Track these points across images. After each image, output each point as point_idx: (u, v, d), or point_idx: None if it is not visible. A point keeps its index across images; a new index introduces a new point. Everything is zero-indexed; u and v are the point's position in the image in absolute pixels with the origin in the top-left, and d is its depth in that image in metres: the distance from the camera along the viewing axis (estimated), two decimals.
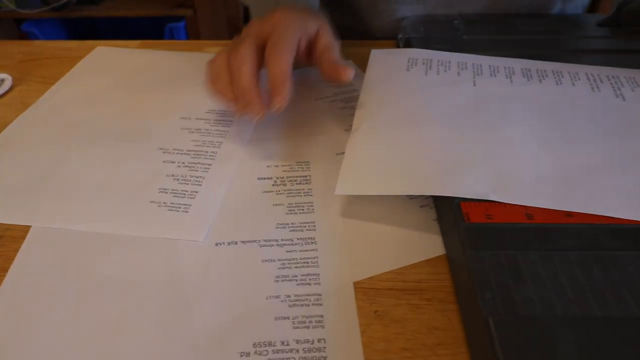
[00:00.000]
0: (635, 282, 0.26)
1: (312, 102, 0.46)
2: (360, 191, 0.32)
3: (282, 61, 0.37)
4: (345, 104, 0.46)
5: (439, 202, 0.34)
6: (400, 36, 0.53)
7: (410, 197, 0.35)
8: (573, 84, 0.42)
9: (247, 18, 1.78)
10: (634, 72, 0.44)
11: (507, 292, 0.26)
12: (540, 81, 0.42)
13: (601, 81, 0.42)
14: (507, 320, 0.24)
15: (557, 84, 0.42)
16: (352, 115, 0.44)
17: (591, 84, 0.42)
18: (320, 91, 0.48)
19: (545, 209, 0.31)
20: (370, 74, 0.44)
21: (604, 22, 0.53)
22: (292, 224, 0.33)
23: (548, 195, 0.31)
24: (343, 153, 0.39)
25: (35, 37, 1.58)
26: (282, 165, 0.38)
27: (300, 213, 0.34)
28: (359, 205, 0.34)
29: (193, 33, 1.60)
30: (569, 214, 0.30)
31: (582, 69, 0.44)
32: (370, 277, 0.30)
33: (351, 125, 0.43)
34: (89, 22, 1.76)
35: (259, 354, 0.25)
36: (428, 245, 0.32)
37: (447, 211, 0.32)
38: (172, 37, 1.58)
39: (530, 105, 0.39)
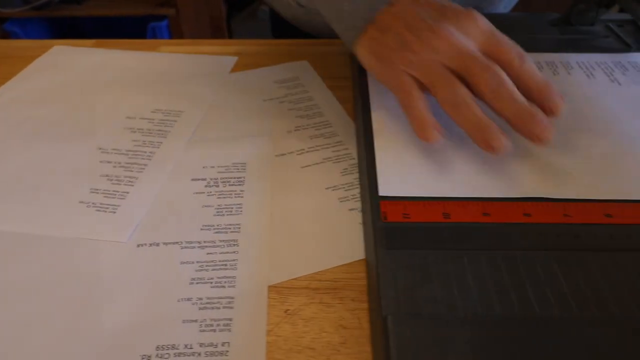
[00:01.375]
0: (541, 282, 0.26)
1: (260, 103, 0.46)
2: (406, 192, 0.31)
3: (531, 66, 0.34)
4: (293, 105, 0.46)
5: (364, 202, 0.34)
6: None
7: (341, 200, 0.35)
8: (569, 73, 0.43)
9: (230, 17, 1.78)
10: (618, 56, 0.46)
11: (411, 291, 0.26)
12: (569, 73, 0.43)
13: (593, 68, 0.44)
14: (406, 319, 0.25)
15: (554, 74, 0.43)
16: (299, 116, 0.44)
17: (585, 72, 0.44)
18: (270, 92, 0.48)
19: (463, 208, 0.31)
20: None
21: (556, 22, 0.53)
22: (217, 225, 0.33)
23: (592, 186, 0.32)
24: (282, 155, 0.40)
25: (17, 37, 1.57)
26: (218, 167, 0.38)
27: (227, 215, 0.34)
28: (288, 208, 0.35)
29: (176, 32, 1.60)
30: (486, 212, 0.31)
31: (572, 58, 0.46)
32: None
33: (295, 127, 0.43)
34: (74, 21, 1.75)
35: (160, 357, 0.25)
36: (351, 248, 0.32)
37: (368, 211, 0.32)
38: (154, 36, 1.58)
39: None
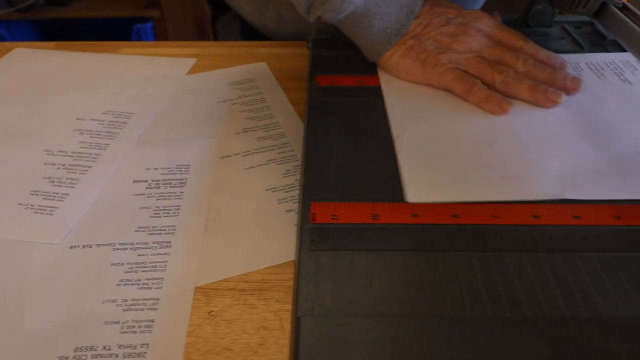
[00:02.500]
0: (460, 281, 0.27)
1: (213, 104, 0.46)
2: (435, 198, 0.32)
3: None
4: (245, 107, 0.46)
5: (300, 204, 0.34)
6: (310, 37, 0.54)
7: (280, 201, 0.35)
8: (579, 75, 0.44)
9: (215, 19, 1.77)
10: (624, 55, 0.47)
11: (330, 292, 0.26)
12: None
13: (602, 68, 0.45)
14: (320, 320, 0.25)
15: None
16: (249, 118, 0.44)
17: (595, 73, 0.44)
18: (224, 94, 0.48)
19: (393, 210, 0.31)
20: (385, 77, 0.44)
21: (514, 23, 0.53)
22: (152, 227, 0.33)
23: (614, 186, 0.32)
24: (227, 156, 0.40)
25: (3, 39, 1.57)
26: (162, 168, 0.38)
27: (164, 216, 0.34)
28: (226, 209, 0.35)
29: (161, 34, 1.60)
30: (415, 214, 0.31)
31: (580, 59, 0.46)
32: None
33: (244, 129, 0.43)
34: (61, 23, 1.75)
35: (77, 359, 0.26)
36: (283, 250, 0.32)
37: (300, 212, 0.32)
38: (139, 38, 1.58)
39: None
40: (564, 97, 0.40)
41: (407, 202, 0.31)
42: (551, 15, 0.52)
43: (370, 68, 0.46)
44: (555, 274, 0.27)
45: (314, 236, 0.29)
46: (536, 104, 0.40)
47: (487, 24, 0.44)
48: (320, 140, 0.37)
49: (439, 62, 0.42)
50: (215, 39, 1.71)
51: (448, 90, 0.42)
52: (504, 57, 0.42)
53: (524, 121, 0.39)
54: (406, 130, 0.37)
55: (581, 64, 0.46)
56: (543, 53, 0.43)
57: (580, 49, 0.49)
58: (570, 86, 0.41)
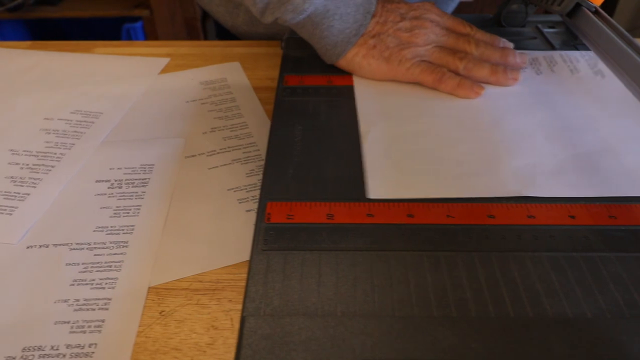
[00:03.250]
0: (410, 282, 0.27)
1: (182, 104, 0.46)
2: (391, 194, 0.32)
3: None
4: (215, 106, 0.46)
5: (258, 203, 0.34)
6: (284, 37, 0.54)
7: (240, 201, 0.35)
8: (552, 70, 0.44)
9: (205, 19, 1.77)
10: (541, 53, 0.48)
11: (277, 292, 0.26)
12: (523, 71, 0.45)
13: (578, 61, 0.45)
14: (265, 319, 0.25)
15: (538, 73, 0.44)
16: (218, 117, 0.44)
17: (568, 66, 0.45)
18: (194, 93, 0.48)
19: (349, 210, 0.31)
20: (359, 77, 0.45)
21: (487, 23, 0.54)
22: (111, 227, 0.33)
23: (573, 184, 0.32)
24: (192, 156, 0.40)
25: None
26: (125, 168, 0.38)
27: (124, 216, 0.34)
28: (186, 209, 0.35)
29: (151, 33, 1.60)
30: (370, 214, 0.31)
31: (555, 53, 0.47)
32: None
33: (211, 128, 0.43)
34: (52, 23, 1.75)
35: (24, 359, 0.25)
36: (239, 249, 0.32)
37: (257, 212, 0.32)
38: (129, 38, 1.58)
39: (526, 98, 0.41)
40: (520, 73, 0.43)
41: (364, 202, 0.31)
42: (524, 15, 0.52)
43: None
44: (504, 273, 0.27)
45: (267, 236, 0.29)
46: (498, 83, 0.42)
47: (437, 14, 0.45)
48: (283, 140, 0.37)
49: (403, 58, 0.42)
50: (205, 38, 1.71)
51: (417, 84, 0.43)
52: (458, 44, 0.44)
53: (491, 117, 0.39)
54: (374, 128, 0.37)
55: (556, 57, 0.46)
56: (488, 36, 0.46)
57: (552, 48, 0.49)
58: (520, 62, 0.44)
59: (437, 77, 0.42)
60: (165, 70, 0.51)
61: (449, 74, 0.42)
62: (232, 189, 0.36)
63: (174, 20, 1.60)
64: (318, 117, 0.39)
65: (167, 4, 1.56)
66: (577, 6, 0.46)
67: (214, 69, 0.51)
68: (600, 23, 0.42)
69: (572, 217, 0.30)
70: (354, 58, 0.44)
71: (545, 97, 0.41)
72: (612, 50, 0.38)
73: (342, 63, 0.44)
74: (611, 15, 1.87)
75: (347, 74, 0.45)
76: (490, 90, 0.42)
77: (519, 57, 0.44)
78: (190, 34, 1.62)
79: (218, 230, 0.33)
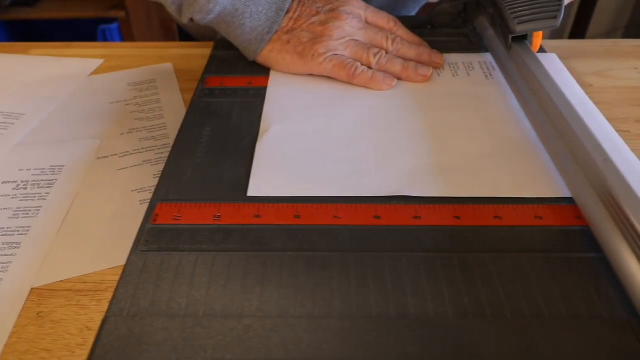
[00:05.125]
0: (283, 284, 0.27)
1: (107, 105, 0.46)
2: (270, 193, 0.32)
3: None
4: (138, 107, 0.46)
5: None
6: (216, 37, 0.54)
7: (142, 202, 0.35)
8: (468, 74, 0.45)
9: None
10: (470, 56, 0.48)
11: (146, 293, 0.26)
12: (439, 74, 0.45)
13: (494, 68, 0.45)
14: (125, 320, 0.25)
15: (454, 76, 0.45)
16: (138, 119, 0.44)
17: (484, 72, 0.45)
18: (120, 95, 0.48)
19: (235, 211, 0.31)
20: (276, 75, 0.45)
21: (419, 25, 0.54)
22: (7, 228, 0.33)
23: (447, 185, 0.32)
24: (105, 157, 0.40)
25: None
26: (35, 169, 0.38)
27: (23, 217, 0.34)
28: (87, 210, 0.35)
29: (127, 35, 1.60)
30: (257, 214, 0.31)
31: (475, 58, 0.47)
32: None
33: (129, 129, 0.43)
34: (30, 24, 1.75)
35: None
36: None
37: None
38: (105, 39, 1.58)
39: (434, 99, 0.41)
40: (431, 71, 0.44)
41: (253, 204, 0.31)
42: (455, 16, 0.52)
43: (265, 69, 0.46)
44: (377, 273, 0.27)
45: (149, 237, 0.29)
46: (408, 79, 0.43)
47: (357, 7, 0.45)
48: (188, 141, 0.37)
49: (316, 52, 0.43)
50: (182, 39, 1.71)
51: (334, 79, 0.43)
52: (375, 39, 0.44)
53: (393, 117, 0.39)
54: (273, 127, 0.38)
55: (475, 61, 0.46)
56: (409, 34, 0.47)
57: (478, 50, 0.49)
58: (435, 61, 0.45)
59: (350, 72, 0.42)
60: (98, 71, 0.51)
61: (362, 68, 0.42)
62: (137, 190, 0.36)
63: (150, 21, 1.60)
64: (229, 118, 0.39)
65: (143, 5, 1.56)
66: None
67: (145, 70, 0.51)
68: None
69: (458, 217, 0.30)
70: (269, 54, 0.44)
71: (454, 99, 0.41)
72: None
73: (260, 59, 0.45)
74: (589, 18, 1.87)
75: (268, 75, 0.45)
76: (400, 90, 0.43)
77: (434, 57, 0.45)
78: (167, 35, 1.62)
79: (113, 232, 0.33)
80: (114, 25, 1.59)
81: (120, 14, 1.57)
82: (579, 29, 1.82)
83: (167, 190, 0.33)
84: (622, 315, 0.25)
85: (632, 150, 0.38)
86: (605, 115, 0.43)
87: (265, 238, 0.29)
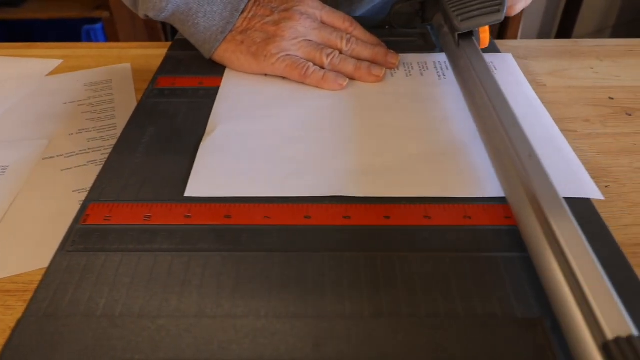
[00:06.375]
0: (199, 282, 0.27)
1: (60, 105, 0.46)
2: (209, 193, 0.32)
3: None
4: (90, 108, 0.46)
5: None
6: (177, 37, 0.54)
7: (81, 202, 0.35)
8: (421, 74, 0.45)
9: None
10: (424, 56, 0.48)
11: (65, 294, 0.26)
12: (392, 75, 0.45)
13: (447, 68, 0.46)
14: (40, 320, 0.25)
15: (407, 76, 0.45)
16: (89, 119, 0.44)
17: (438, 72, 0.45)
18: (74, 95, 0.48)
19: (166, 211, 0.31)
20: (230, 75, 0.45)
21: (377, 24, 0.54)
22: None
23: (379, 186, 0.32)
24: (51, 157, 0.40)
25: None
26: None
27: None
28: (25, 211, 0.35)
29: (111, 35, 1.59)
30: (188, 215, 0.31)
31: (430, 58, 0.47)
32: None
33: (79, 130, 0.43)
34: (17, 24, 1.74)
35: None
36: None
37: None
38: (89, 39, 1.57)
39: (384, 99, 0.41)
40: (384, 71, 0.44)
41: (184, 204, 0.31)
42: (412, 17, 0.52)
43: (218, 69, 0.46)
44: (300, 273, 0.27)
45: (76, 237, 0.29)
46: (361, 79, 0.44)
47: (311, 6, 0.45)
48: (130, 141, 0.37)
49: (269, 53, 0.43)
50: (166, 38, 1.71)
51: (287, 79, 0.44)
52: (329, 39, 0.44)
53: (340, 117, 0.39)
54: (219, 127, 0.38)
55: (430, 61, 0.46)
56: (365, 34, 0.47)
57: (434, 48, 0.49)
58: (390, 61, 0.45)
59: (302, 72, 0.42)
60: (56, 71, 0.51)
61: (314, 68, 0.43)
62: (78, 190, 0.36)
63: (134, 21, 1.60)
64: (175, 118, 0.40)
65: (127, 5, 1.56)
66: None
67: (102, 70, 0.51)
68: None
69: (387, 217, 0.31)
70: (224, 54, 0.45)
71: (403, 99, 0.41)
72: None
73: (216, 58, 0.46)
74: (575, 18, 1.88)
75: (219, 76, 0.45)
76: (352, 91, 0.43)
77: (390, 58, 0.45)
78: (152, 35, 1.62)
79: (48, 232, 0.33)
80: (98, 26, 1.59)
81: (105, 14, 1.57)
82: (565, 29, 1.82)
83: (101, 190, 0.33)
84: (536, 314, 0.25)
85: (576, 149, 0.38)
86: (555, 115, 0.44)
87: (192, 238, 0.29)
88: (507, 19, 1.46)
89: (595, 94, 0.47)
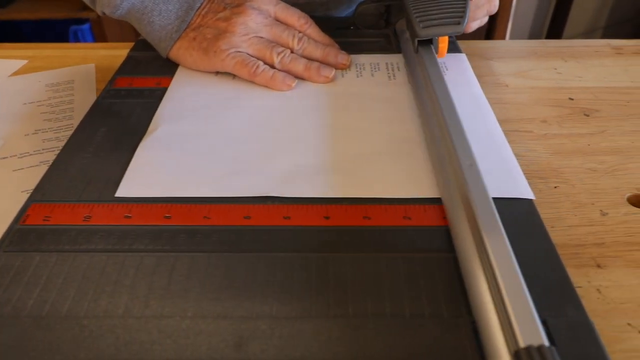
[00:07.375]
0: (131, 283, 0.27)
1: (19, 106, 0.46)
2: (142, 193, 0.32)
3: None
4: (49, 108, 0.46)
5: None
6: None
7: None
8: (372, 75, 0.45)
9: None
10: (387, 57, 0.48)
11: (9, 294, 0.26)
12: (343, 75, 0.45)
13: (399, 69, 0.46)
14: None
15: (358, 76, 0.45)
16: (47, 119, 0.44)
17: (389, 73, 0.45)
18: (35, 95, 0.48)
19: (107, 211, 0.31)
20: (180, 75, 0.45)
21: (341, 25, 0.54)
22: None
23: (320, 186, 0.32)
24: (4, 158, 0.40)
25: None
26: None
27: None
28: None
29: (99, 35, 1.59)
30: (128, 214, 0.31)
31: (383, 59, 0.47)
32: None
33: (35, 130, 0.43)
34: (6, 25, 1.74)
35: None
36: None
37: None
38: (77, 40, 1.57)
39: (331, 99, 0.41)
40: (334, 72, 0.44)
41: (124, 204, 0.31)
42: (377, 17, 0.52)
43: (176, 69, 0.46)
44: (232, 273, 0.27)
45: (14, 238, 0.29)
46: (310, 79, 0.43)
47: (265, 2, 0.44)
48: (80, 142, 0.37)
49: (218, 49, 0.42)
50: None
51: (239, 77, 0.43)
52: (281, 36, 0.44)
53: (286, 117, 0.39)
54: (160, 127, 0.38)
55: (382, 62, 0.46)
56: (318, 34, 0.46)
57: (394, 50, 0.49)
58: (340, 62, 0.45)
59: (251, 71, 0.42)
60: (20, 72, 0.51)
61: (263, 67, 0.42)
62: (27, 191, 0.36)
63: (121, 22, 1.60)
64: (128, 119, 0.39)
65: None
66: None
67: (65, 71, 0.51)
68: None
69: (327, 217, 0.31)
70: (178, 52, 0.45)
71: (352, 99, 0.41)
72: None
73: (172, 56, 0.46)
74: (565, 19, 1.88)
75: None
76: (301, 91, 0.43)
77: (340, 58, 0.45)
78: (139, 35, 1.62)
79: None
80: (86, 26, 1.59)
81: (92, 15, 1.57)
82: (555, 30, 1.83)
83: (44, 191, 0.33)
84: (461, 314, 0.25)
85: (530, 150, 0.38)
86: (513, 115, 0.44)
87: (129, 239, 0.29)
88: (493, 20, 1.46)
89: (556, 95, 0.47)
